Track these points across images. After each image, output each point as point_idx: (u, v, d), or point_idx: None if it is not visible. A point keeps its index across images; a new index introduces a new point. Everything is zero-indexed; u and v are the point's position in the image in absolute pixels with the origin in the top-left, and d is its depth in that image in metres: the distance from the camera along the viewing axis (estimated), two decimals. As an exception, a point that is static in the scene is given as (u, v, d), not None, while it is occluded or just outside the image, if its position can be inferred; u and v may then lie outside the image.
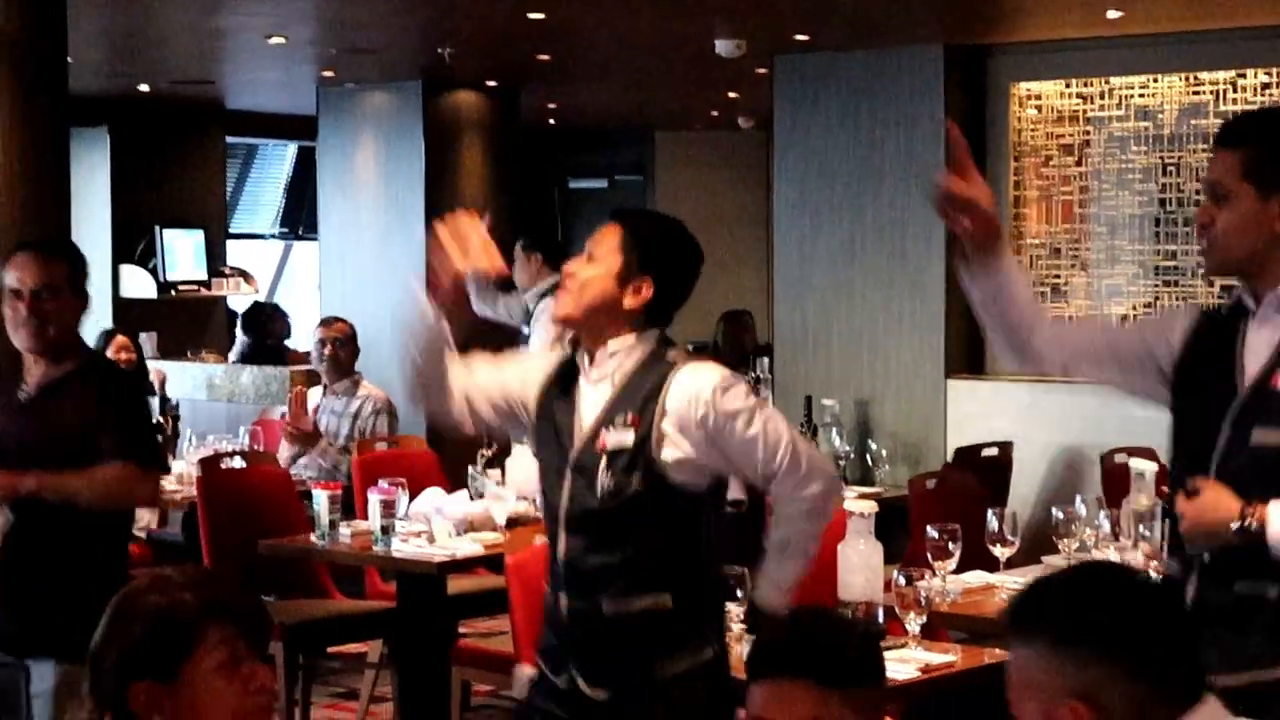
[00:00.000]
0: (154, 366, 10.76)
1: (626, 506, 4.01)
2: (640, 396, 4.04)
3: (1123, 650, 2.45)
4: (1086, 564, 2.76)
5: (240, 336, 12.70)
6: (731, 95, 13.53)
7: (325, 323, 9.08)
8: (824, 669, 2.74)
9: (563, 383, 4.16)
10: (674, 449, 4.02)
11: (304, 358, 11.99)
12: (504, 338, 9.52)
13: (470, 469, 7.56)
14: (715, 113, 15.04)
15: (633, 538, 4.02)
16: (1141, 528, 5.64)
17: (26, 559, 4.93)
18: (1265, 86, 7.95)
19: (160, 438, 8.84)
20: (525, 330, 9.24)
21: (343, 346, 8.86)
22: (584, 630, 4.06)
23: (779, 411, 4.19)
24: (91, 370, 5.08)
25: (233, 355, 12.58)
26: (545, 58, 10.64)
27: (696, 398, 4.03)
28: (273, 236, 16.40)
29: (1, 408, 5.05)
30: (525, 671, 4.34)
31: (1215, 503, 3.51)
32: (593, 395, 4.10)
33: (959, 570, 5.63)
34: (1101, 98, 8.39)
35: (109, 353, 9.65)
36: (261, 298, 14.35)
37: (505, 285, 9.74)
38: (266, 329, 12.45)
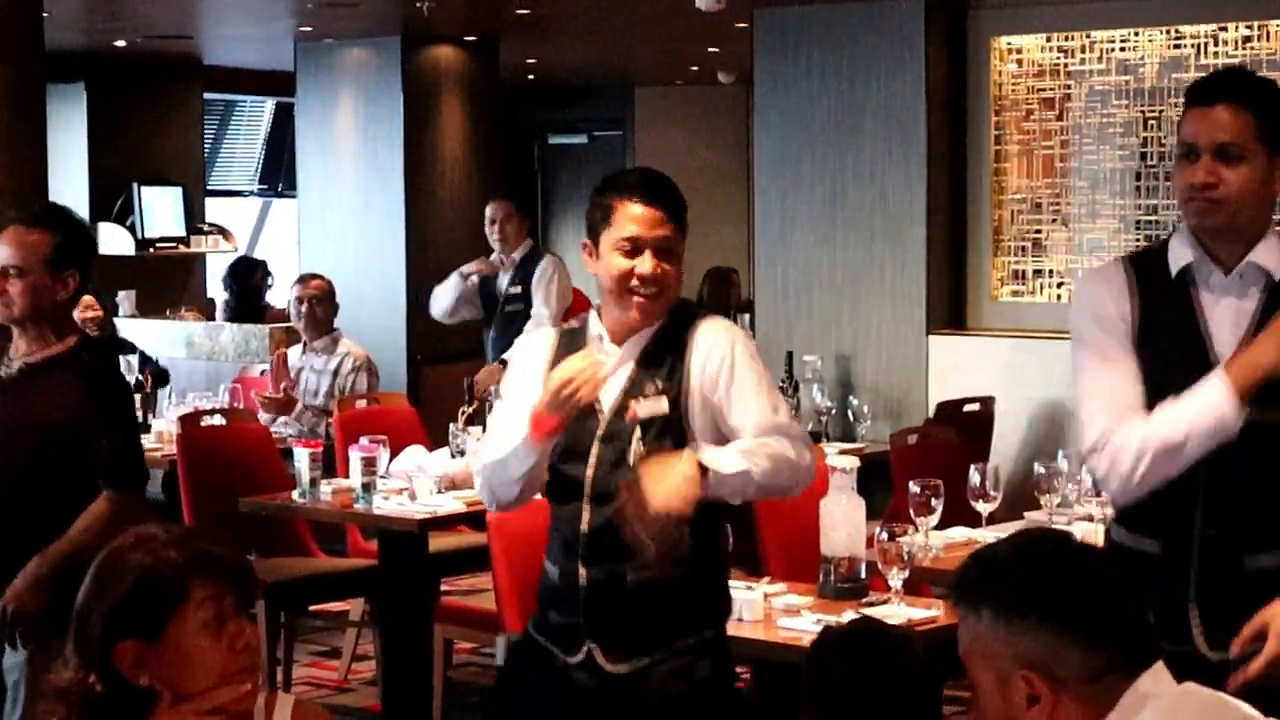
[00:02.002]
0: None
1: None
2: (666, 362, 4.00)
3: (1071, 619, 2.46)
4: (1027, 532, 2.76)
5: (223, 293, 12.66)
6: (711, 50, 13.50)
7: (302, 280, 9.05)
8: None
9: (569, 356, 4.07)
10: (699, 406, 4.00)
11: (283, 315, 11.97)
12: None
13: (451, 426, 7.55)
14: (695, 68, 15.00)
15: None
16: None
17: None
18: (1246, 40, 7.93)
19: (139, 395, 8.83)
20: (517, 290, 9.19)
21: (320, 303, 8.83)
22: (606, 602, 4.01)
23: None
24: (79, 360, 4.95)
25: (219, 312, 12.55)
26: (524, 11, 10.60)
27: (716, 348, 3.99)
28: (251, 193, 16.34)
29: None
30: (506, 639, 4.30)
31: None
32: (618, 367, 4.03)
33: (941, 526, 5.64)
34: (1082, 51, 8.37)
35: (75, 313, 9.56)
36: (240, 254, 14.30)
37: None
38: (252, 283, 12.40)
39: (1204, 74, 7.78)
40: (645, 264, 3.97)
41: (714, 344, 4.01)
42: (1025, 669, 2.43)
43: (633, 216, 3.99)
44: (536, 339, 4.24)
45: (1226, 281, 3.62)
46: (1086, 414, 3.68)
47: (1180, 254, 3.67)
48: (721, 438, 4.00)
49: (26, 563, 4.79)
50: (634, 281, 3.98)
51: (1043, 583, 2.49)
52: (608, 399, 4.02)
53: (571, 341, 4.12)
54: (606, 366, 3.96)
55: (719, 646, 4.11)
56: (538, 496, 4.13)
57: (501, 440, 4.04)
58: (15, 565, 4.82)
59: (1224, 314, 3.61)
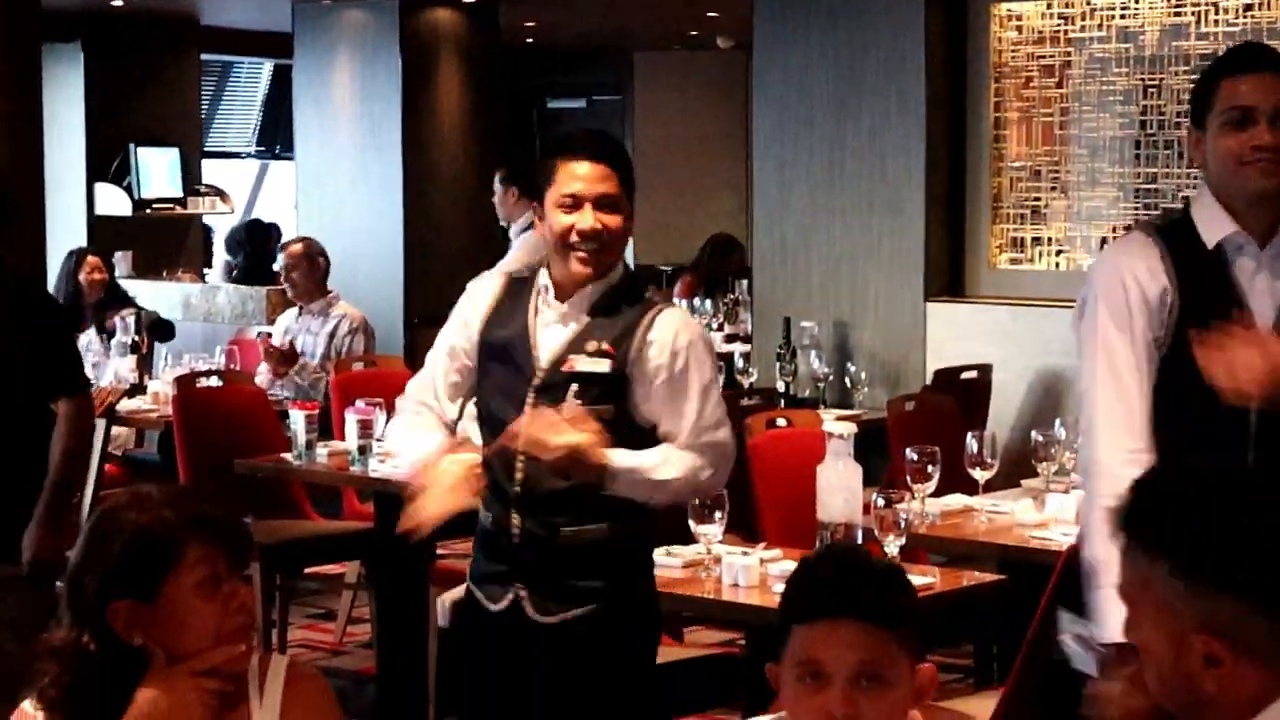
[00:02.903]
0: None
1: None
2: (617, 327, 4.00)
3: (1259, 588, 2.27)
4: (1203, 470, 2.52)
5: (225, 255, 12.65)
6: (711, 15, 13.48)
7: (284, 247, 9.10)
8: (873, 608, 2.65)
9: (512, 305, 4.10)
10: (644, 386, 4.00)
11: (278, 277, 11.97)
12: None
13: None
14: (695, 33, 14.97)
15: None
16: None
17: None
18: (1248, 8, 7.89)
19: (135, 356, 8.84)
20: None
21: (295, 269, 8.82)
22: (537, 554, 4.03)
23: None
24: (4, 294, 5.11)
25: (219, 275, 12.53)
26: (524, -26, 10.58)
27: (675, 341, 3.99)
28: (249, 155, 16.32)
29: None
30: (448, 598, 4.32)
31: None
32: (555, 319, 4.05)
33: (938, 493, 5.64)
34: (1083, 19, 8.34)
35: (81, 275, 9.59)
36: (238, 217, 14.29)
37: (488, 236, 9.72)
38: (267, 248, 12.39)
39: (1205, 42, 7.82)
40: (585, 219, 3.99)
41: (675, 334, 3.99)
42: (1204, 633, 2.26)
43: (573, 174, 4.01)
44: (483, 283, 4.23)
45: (1262, 255, 3.60)
46: (1089, 426, 3.65)
47: (1214, 226, 3.63)
48: (651, 414, 4.02)
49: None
50: (574, 237, 4.00)
51: (1232, 545, 2.28)
52: (547, 350, 4.03)
53: (519, 291, 4.12)
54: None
55: (649, 603, 4.15)
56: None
57: (406, 436, 4.24)
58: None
59: (1262, 290, 3.59)
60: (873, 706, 2.60)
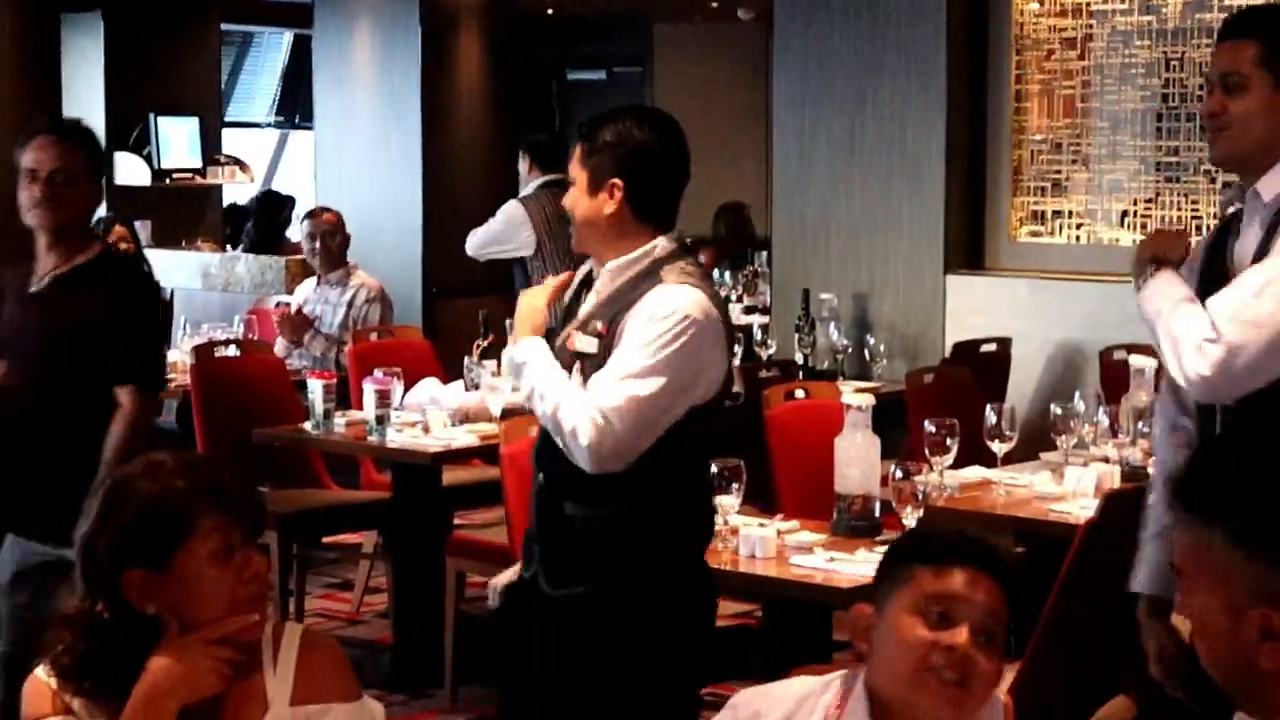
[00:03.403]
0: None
1: None
2: (617, 307, 3.98)
3: None
4: (1264, 442, 2.51)
5: (248, 224, 12.65)
6: (732, -14, 13.43)
7: (313, 214, 9.06)
8: (1008, 573, 2.77)
9: (576, 292, 4.15)
10: None
11: (297, 247, 11.96)
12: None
13: (466, 359, 7.53)
14: (715, 4, 14.93)
15: None
16: (1140, 424, 5.62)
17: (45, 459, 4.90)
18: (1271, -19, 7.86)
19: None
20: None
21: (331, 236, 8.83)
22: (550, 525, 4.05)
23: (670, 387, 3.88)
24: (105, 265, 5.02)
25: (241, 244, 12.54)
26: (544, -54, 10.55)
27: (652, 311, 3.89)
28: (268, 125, 16.31)
29: (13, 299, 5.00)
30: (500, 582, 4.29)
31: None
32: (588, 302, 4.08)
33: (956, 466, 5.62)
34: (1105, -9, 8.31)
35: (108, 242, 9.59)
36: (257, 186, 14.28)
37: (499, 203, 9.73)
38: (280, 218, 12.40)
39: (1226, 14, 7.77)
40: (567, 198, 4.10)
41: (655, 307, 3.89)
42: (1263, 605, 2.25)
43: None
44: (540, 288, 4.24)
45: (1247, 214, 3.63)
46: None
47: (1237, 201, 3.72)
48: None
49: (54, 472, 4.78)
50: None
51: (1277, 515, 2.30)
52: (569, 325, 4.09)
53: (582, 288, 4.17)
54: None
55: (659, 592, 4.03)
56: None
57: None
58: (43, 475, 4.83)
59: (1244, 249, 3.62)
60: (982, 662, 2.71)
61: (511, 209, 9.14)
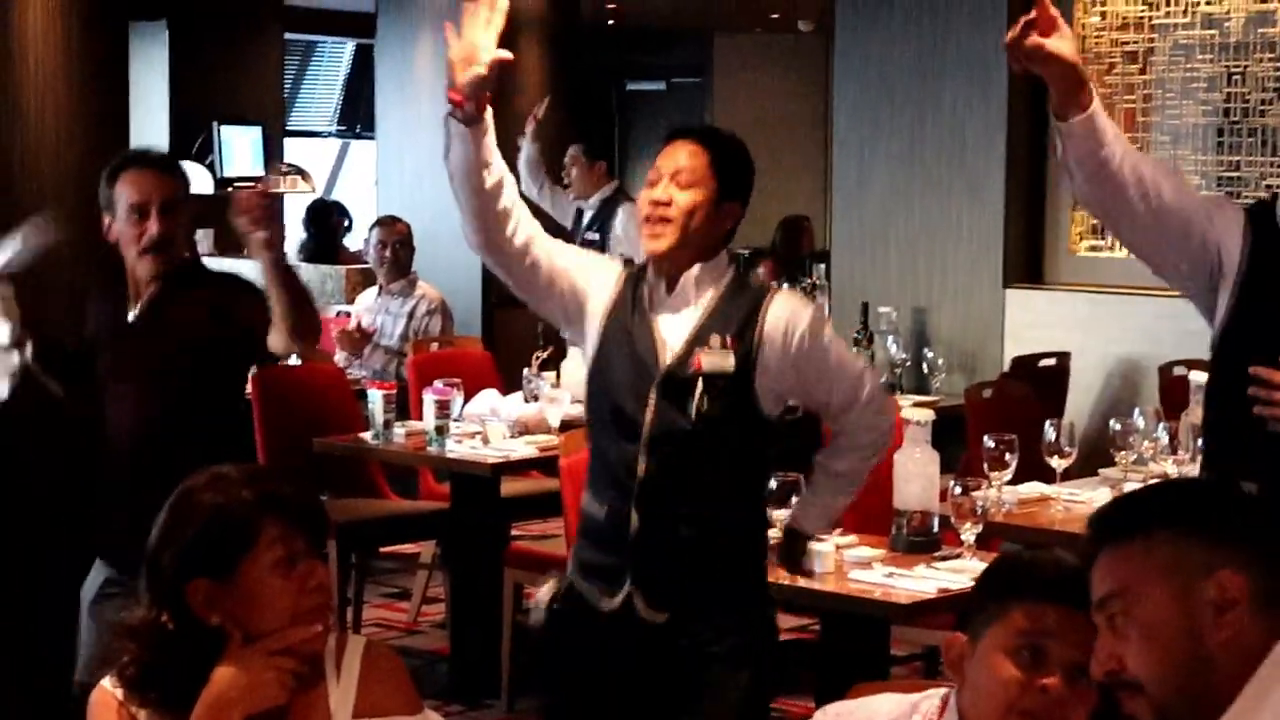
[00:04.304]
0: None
1: (718, 429, 3.98)
2: (736, 320, 4.01)
3: (1258, 538, 2.43)
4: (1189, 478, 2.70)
5: (300, 233, 12.71)
6: (792, -2, 13.44)
7: (384, 223, 9.07)
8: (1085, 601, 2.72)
9: (633, 303, 4.08)
10: (768, 374, 4.01)
11: (356, 257, 12.00)
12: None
13: (525, 371, 7.56)
14: (775, 15, 14.95)
15: (717, 460, 4.00)
16: (1199, 440, 5.60)
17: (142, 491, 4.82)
18: (1335, -4, 7.84)
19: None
20: (593, 236, 9.21)
21: (403, 247, 8.87)
22: (655, 549, 4.01)
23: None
24: (191, 274, 4.91)
25: (294, 253, 12.58)
26: (606, -43, 10.58)
27: (793, 326, 4.01)
28: (330, 134, 16.39)
29: (110, 330, 4.89)
30: (543, 597, 4.28)
31: None
32: (674, 318, 4.05)
33: (1015, 481, 5.61)
34: (1167, 4, 8.27)
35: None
36: (318, 195, 14.36)
37: (555, 178, 9.75)
38: (330, 225, 12.45)
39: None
40: (656, 190, 4.02)
41: (792, 314, 4.03)
42: (1224, 569, 2.39)
43: (661, 153, 4.07)
44: (612, 265, 4.22)
45: None
46: None
47: None
48: (781, 399, 4.08)
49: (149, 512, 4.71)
50: (645, 208, 4.05)
51: (1240, 510, 2.49)
52: (671, 346, 4.03)
53: (636, 285, 4.12)
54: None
55: (764, 600, 4.16)
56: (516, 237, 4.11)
57: None
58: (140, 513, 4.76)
59: None
60: (1076, 702, 2.66)
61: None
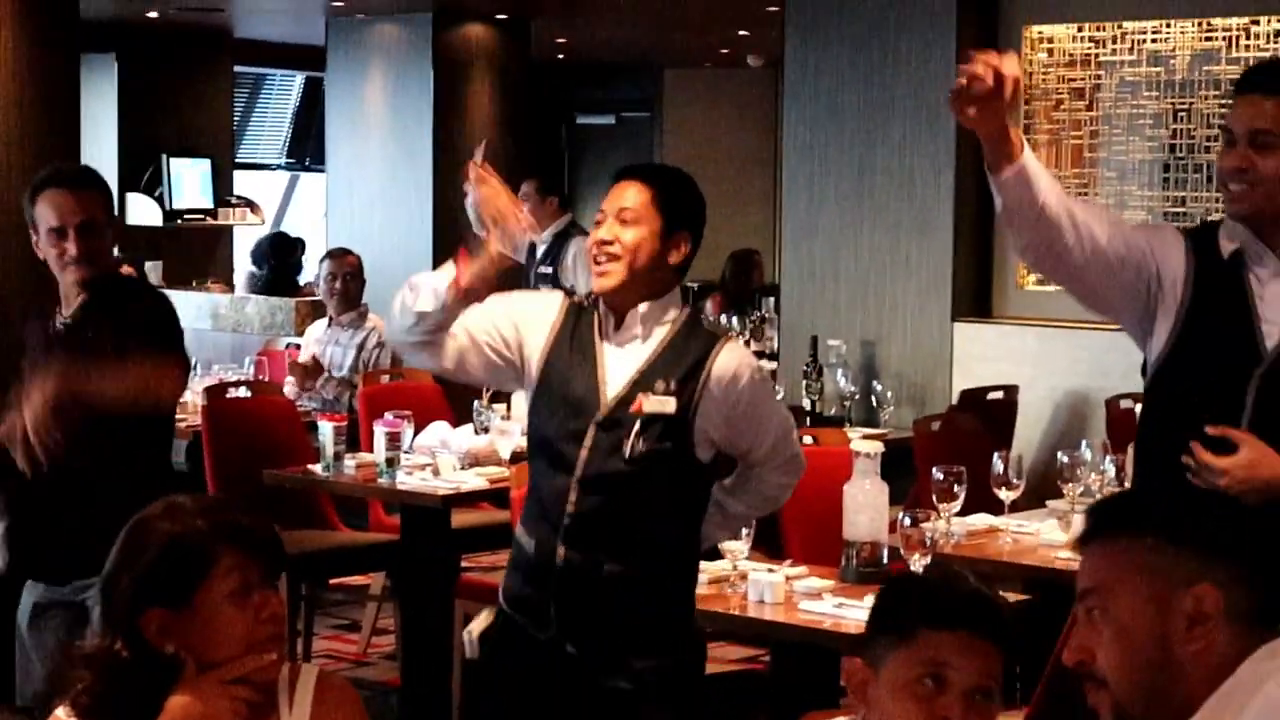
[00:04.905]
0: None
1: (651, 470, 4.01)
2: (684, 365, 4.04)
3: (1245, 556, 2.46)
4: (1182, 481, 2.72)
5: (250, 267, 12.69)
6: (742, 33, 13.50)
7: (335, 255, 9.08)
8: (1005, 633, 2.77)
9: (575, 337, 4.11)
10: (708, 425, 4.04)
11: (305, 289, 12.00)
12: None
13: (476, 403, 7.57)
14: (725, 50, 14.99)
15: (648, 497, 4.02)
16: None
17: (64, 501, 4.84)
18: (1278, 34, 7.90)
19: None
20: (546, 270, 9.22)
21: (353, 279, 8.88)
22: (579, 585, 4.04)
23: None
24: (119, 291, 4.95)
25: (243, 285, 12.57)
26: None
27: (738, 378, 4.05)
28: (279, 167, 16.38)
29: (39, 343, 4.92)
30: (475, 629, 4.30)
31: (1264, 456, 3.47)
32: (620, 354, 4.08)
33: (963, 513, 5.64)
34: (1113, 42, 8.35)
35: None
36: (267, 228, 14.34)
37: None
38: (291, 260, 12.44)
39: (1234, 66, 7.83)
40: (601, 230, 4.05)
41: (739, 367, 4.07)
42: (1201, 583, 2.43)
43: (607, 195, 4.11)
44: (550, 298, 4.25)
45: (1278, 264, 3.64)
46: None
47: (1230, 239, 3.69)
48: (713, 445, 4.10)
49: (75, 519, 4.71)
50: (593, 249, 4.07)
51: (1224, 519, 2.54)
52: (614, 384, 4.05)
53: (579, 318, 4.14)
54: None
55: (687, 633, 4.17)
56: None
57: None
58: (63, 519, 4.79)
59: (1274, 295, 3.62)
60: None
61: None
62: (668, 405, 4.00)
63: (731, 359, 4.07)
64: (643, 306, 4.07)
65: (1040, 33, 8.56)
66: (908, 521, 4.90)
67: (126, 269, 9.61)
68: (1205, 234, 3.76)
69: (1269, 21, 7.95)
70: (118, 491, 4.61)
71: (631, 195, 4.06)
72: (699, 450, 4.06)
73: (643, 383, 4.03)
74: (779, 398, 4.30)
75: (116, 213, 5.36)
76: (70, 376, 4.70)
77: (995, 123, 3.56)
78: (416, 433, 7.17)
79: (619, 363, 4.07)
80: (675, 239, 4.07)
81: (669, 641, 4.10)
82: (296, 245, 12.68)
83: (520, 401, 7.25)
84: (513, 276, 9.33)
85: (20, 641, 4.93)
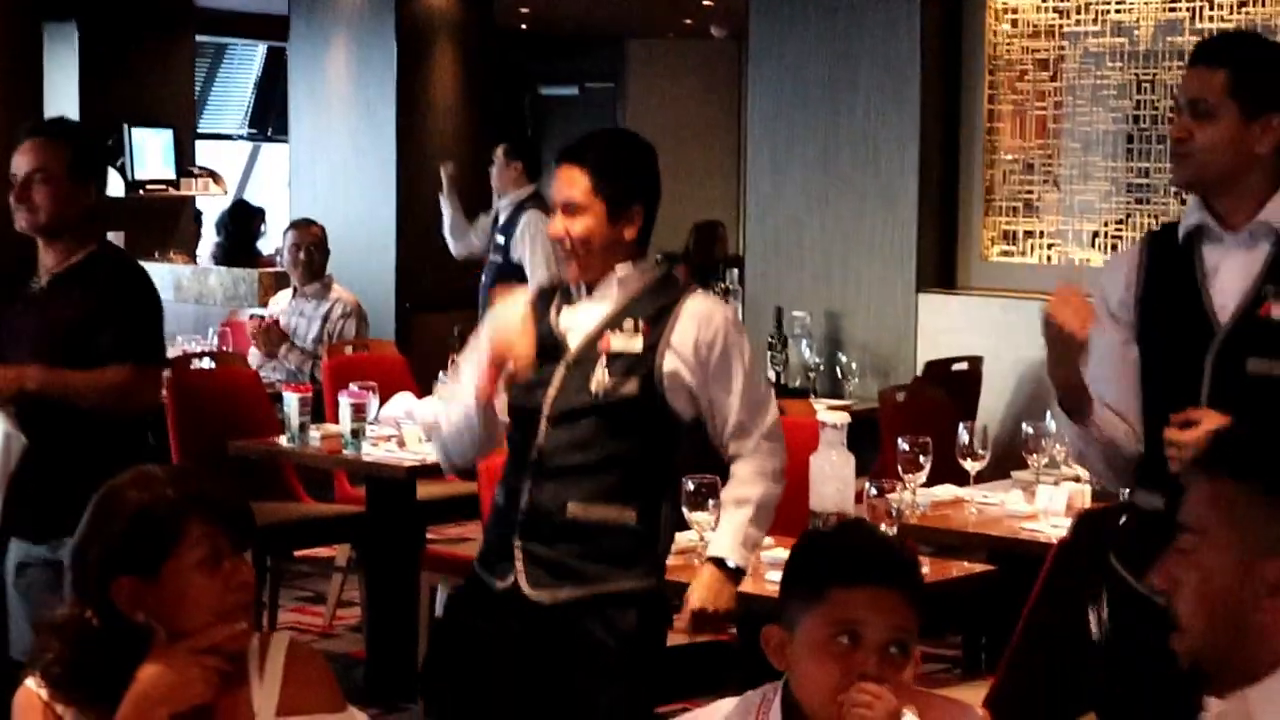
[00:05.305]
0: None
1: (618, 408, 4.04)
2: (652, 307, 4.08)
3: None
4: None
5: (214, 236, 12.64)
6: (706, 3, 13.49)
7: (299, 225, 9.05)
8: (914, 583, 2.83)
9: (544, 305, 4.18)
10: (676, 365, 4.06)
11: (269, 260, 11.97)
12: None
13: (441, 374, 7.55)
14: (688, 21, 14.98)
15: (615, 442, 4.04)
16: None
17: (42, 461, 4.88)
18: (1241, 4, 7.91)
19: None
20: (500, 240, 9.21)
21: (317, 249, 8.85)
22: (542, 527, 4.07)
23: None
24: (99, 263, 5.03)
25: (207, 254, 12.53)
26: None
27: (709, 321, 4.07)
28: (241, 137, 16.32)
29: (16, 299, 5.02)
30: (445, 593, 4.37)
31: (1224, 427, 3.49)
32: (592, 308, 4.12)
33: (928, 484, 5.66)
34: (1077, 13, 8.36)
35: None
36: (229, 199, 14.29)
37: (468, 213, 9.77)
38: (250, 229, 12.41)
39: (1198, 37, 7.84)
40: (555, 224, 4.12)
41: (710, 310, 4.09)
42: None
43: (554, 179, 4.18)
44: (516, 296, 4.28)
45: (1234, 239, 3.66)
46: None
47: (1189, 219, 3.72)
48: (690, 397, 4.11)
49: (53, 479, 4.76)
50: (553, 240, 4.16)
51: None
52: (583, 327, 4.10)
53: (549, 298, 4.17)
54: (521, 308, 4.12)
55: (651, 600, 4.16)
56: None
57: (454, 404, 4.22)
58: (40, 477, 4.82)
59: (1230, 269, 3.65)
60: (895, 675, 2.76)
61: (542, 225, 9.11)
62: (634, 342, 4.05)
63: (705, 303, 4.12)
64: (618, 270, 4.12)
65: (1005, 3, 8.57)
66: (874, 492, 4.91)
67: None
68: (1168, 227, 3.82)
69: (1232, -8, 7.97)
70: (95, 452, 4.66)
71: (571, 184, 4.10)
72: (671, 397, 4.07)
73: (612, 323, 4.08)
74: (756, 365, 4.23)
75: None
76: (49, 382, 4.76)
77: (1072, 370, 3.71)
78: (381, 404, 7.16)
79: (590, 314, 4.13)
80: (625, 216, 4.10)
81: (628, 602, 4.09)
82: (255, 214, 12.65)
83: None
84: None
85: (10, 598, 4.99)
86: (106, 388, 4.84)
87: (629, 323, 4.06)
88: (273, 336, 8.53)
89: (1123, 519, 3.88)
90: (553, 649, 4.07)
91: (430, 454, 6.68)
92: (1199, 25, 7.98)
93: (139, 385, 4.93)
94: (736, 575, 4.20)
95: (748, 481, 4.21)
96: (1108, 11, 8.27)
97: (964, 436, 5.83)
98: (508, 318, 4.13)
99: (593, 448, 4.06)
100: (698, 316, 4.08)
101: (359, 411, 6.77)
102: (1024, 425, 6.05)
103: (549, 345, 4.11)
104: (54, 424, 4.84)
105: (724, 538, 4.22)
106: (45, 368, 4.82)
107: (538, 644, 4.07)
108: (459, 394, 4.21)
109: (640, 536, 4.13)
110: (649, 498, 4.14)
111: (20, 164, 4.94)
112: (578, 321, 4.13)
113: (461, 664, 4.23)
